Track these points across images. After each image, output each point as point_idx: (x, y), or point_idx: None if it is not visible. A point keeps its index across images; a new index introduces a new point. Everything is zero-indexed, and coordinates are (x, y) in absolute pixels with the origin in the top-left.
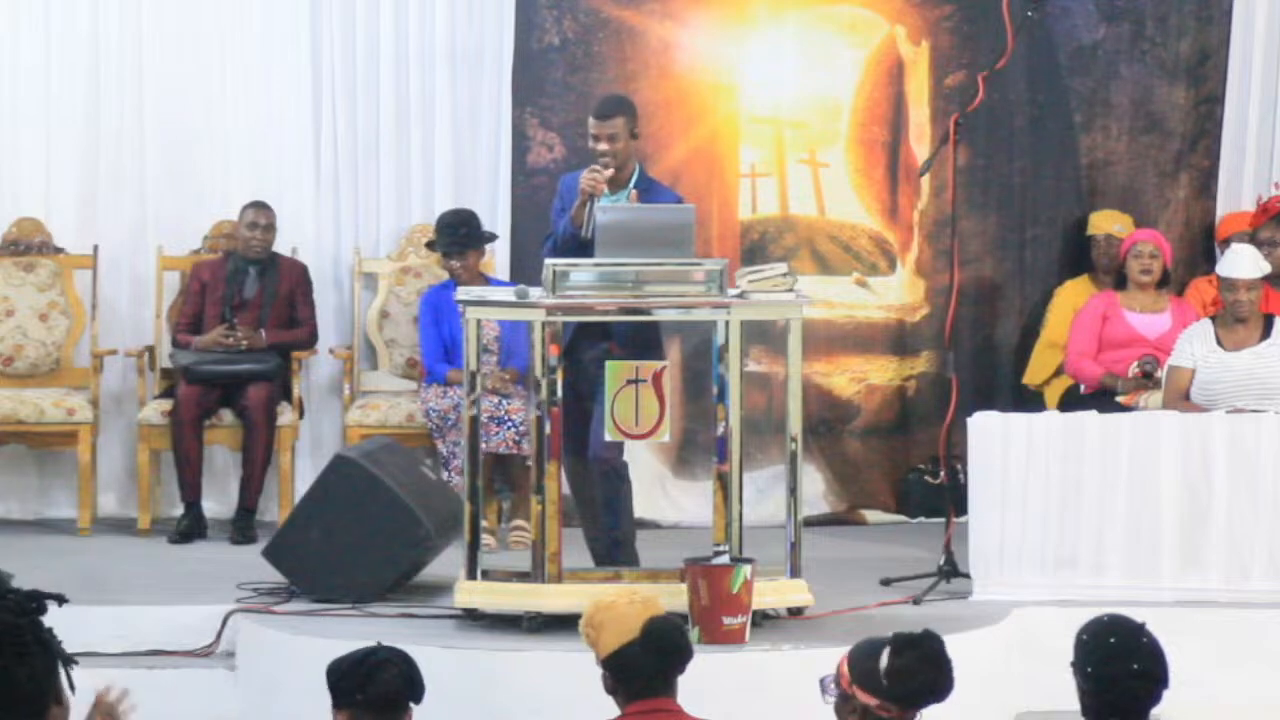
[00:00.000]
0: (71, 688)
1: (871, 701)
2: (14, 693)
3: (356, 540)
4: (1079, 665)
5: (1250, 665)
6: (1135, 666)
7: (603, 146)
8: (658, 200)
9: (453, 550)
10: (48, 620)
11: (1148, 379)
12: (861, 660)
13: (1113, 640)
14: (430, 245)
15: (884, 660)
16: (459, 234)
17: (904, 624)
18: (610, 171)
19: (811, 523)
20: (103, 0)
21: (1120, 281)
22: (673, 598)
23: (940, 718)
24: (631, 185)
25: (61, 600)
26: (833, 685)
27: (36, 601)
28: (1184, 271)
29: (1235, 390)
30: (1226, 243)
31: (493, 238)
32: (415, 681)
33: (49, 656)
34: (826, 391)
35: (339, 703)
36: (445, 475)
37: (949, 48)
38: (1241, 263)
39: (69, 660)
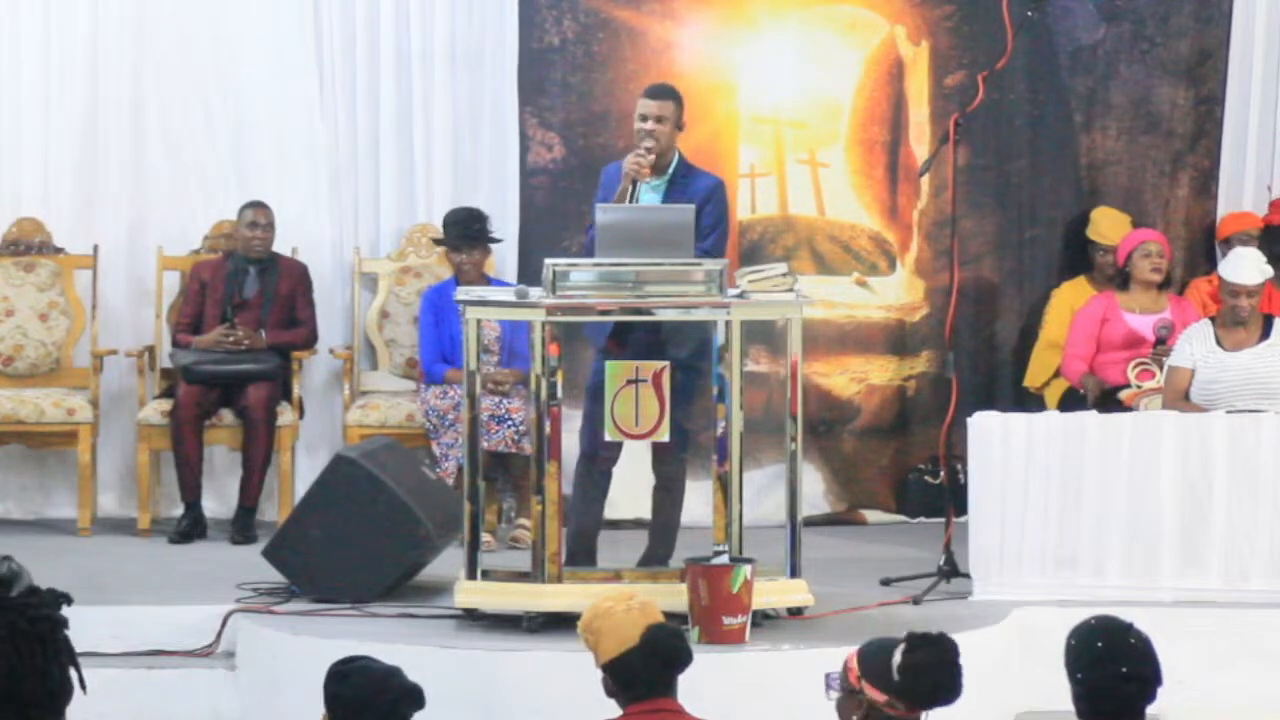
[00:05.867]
0: (83, 687)
1: (880, 698)
2: (50, 687)
3: (356, 540)
4: (1069, 671)
5: (1250, 665)
6: (1124, 670)
7: (649, 125)
8: (695, 185)
9: (453, 550)
10: None
11: (1162, 345)
12: (873, 656)
13: (1100, 644)
14: (438, 241)
15: (898, 656)
16: (472, 229)
17: (905, 624)
18: (653, 157)
19: (811, 523)
20: (103, 0)
21: (1123, 282)
22: (673, 598)
23: (940, 717)
24: (670, 173)
25: (69, 600)
26: (838, 681)
27: (62, 598)
28: (1184, 271)
29: (1234, 390)
30: (1227, 242)
31: (499, 240)
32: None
33: (70, 651)
34: (826, 391)
35: None
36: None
37: (949, 48)
38: (1245, 268)
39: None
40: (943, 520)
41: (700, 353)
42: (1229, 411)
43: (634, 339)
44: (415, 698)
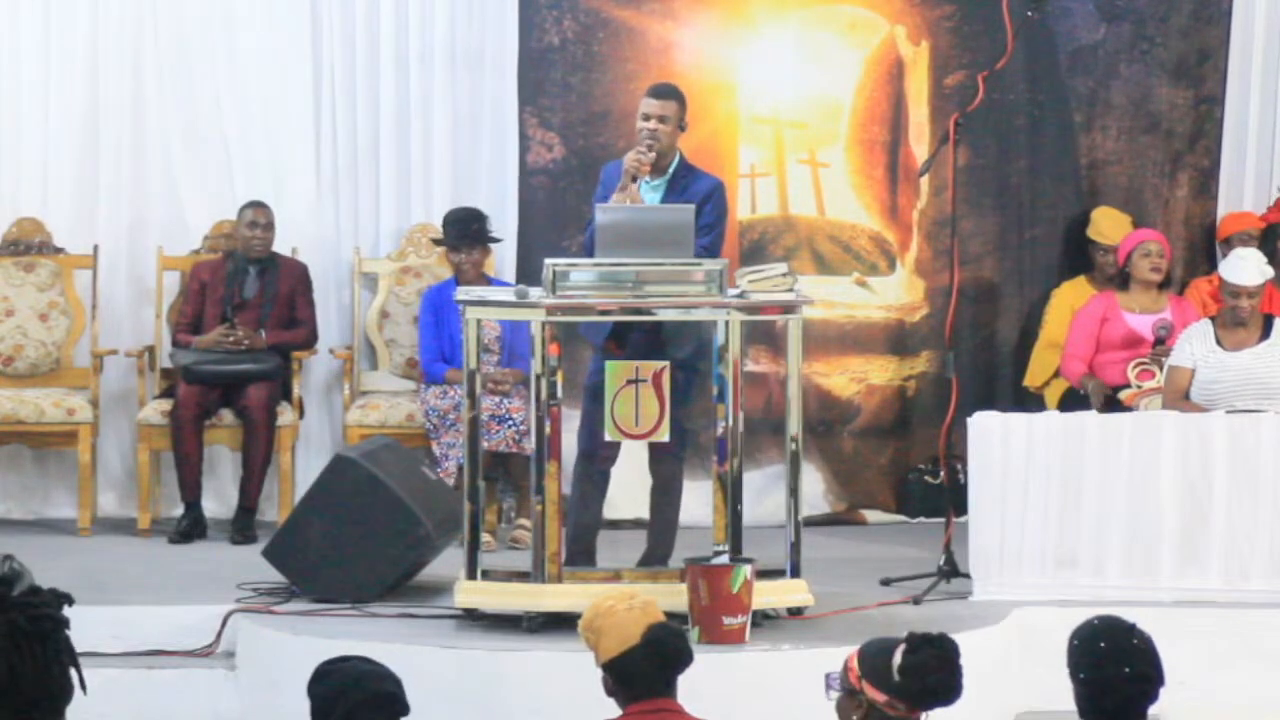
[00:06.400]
0: (83, 687)
1: (880, 698)
2: (50, 687)
3: (356, 540)
4: (1072, 671)
5: (1250, 665)
6: (1128, 670)
7: (651, 125)
8: (695, 186)
9: (453, 550)
10: None
11: (1161, 345)
12: (874, 656)
13: (1103, 644)
14: (438, 241)
15: (898, 657)
16: (470, 229)
17: (905, 624)
18: (654, 155)
19: (811, 523)
20: (103, 1)
21: (1123, 282)
22: (673, 598)
23: (940, 717)
24: (670, 173)
25: (70, 600)
26: (838, 681)
27: (64, 598)
28: (1184, 271)
29: (1234, 390)
30: (1228, 242)
31: (499, 239)
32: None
33: (71, 651)
34: (826, 391)
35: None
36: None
37: (949, 48)
38: (1246, 269)
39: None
40: (943, 520)
41: (700, 353)
42: (1229, 411)
43: (634, 339)
44: (383, 705)
